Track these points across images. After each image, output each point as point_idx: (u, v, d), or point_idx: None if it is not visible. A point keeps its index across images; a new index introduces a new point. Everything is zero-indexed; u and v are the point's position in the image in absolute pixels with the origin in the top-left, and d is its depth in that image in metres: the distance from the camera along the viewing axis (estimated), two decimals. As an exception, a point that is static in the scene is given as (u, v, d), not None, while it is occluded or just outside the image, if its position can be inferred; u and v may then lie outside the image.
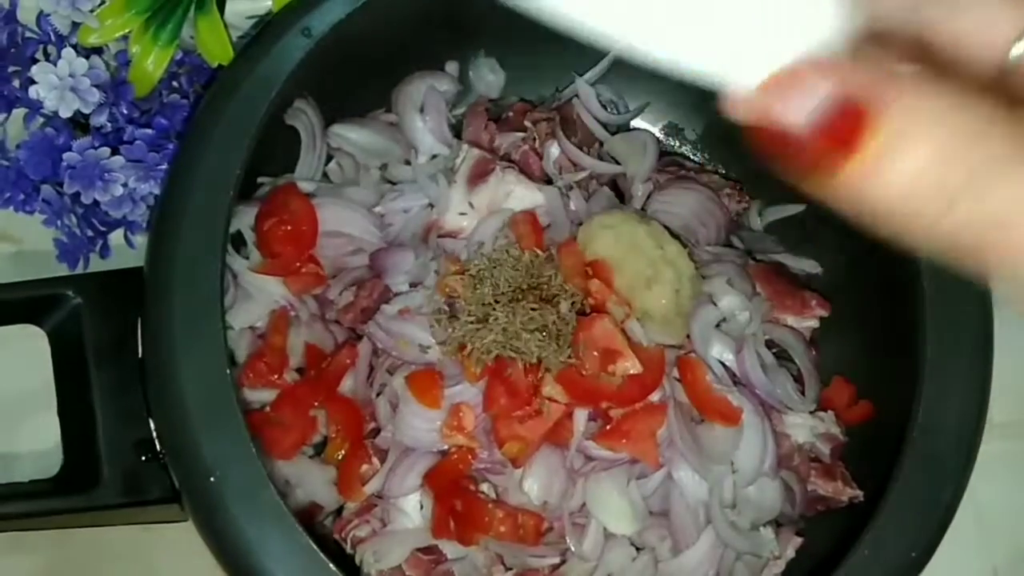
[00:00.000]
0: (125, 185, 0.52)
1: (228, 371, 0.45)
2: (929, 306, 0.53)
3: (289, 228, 0.59)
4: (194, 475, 0.44)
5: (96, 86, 0.51)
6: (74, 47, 0.53)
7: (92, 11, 0.52)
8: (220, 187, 0.47)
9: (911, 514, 0.52)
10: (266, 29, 0.51)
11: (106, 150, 0.53)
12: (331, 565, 0.44)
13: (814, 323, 0.63)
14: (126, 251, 0.59)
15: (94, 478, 0.46)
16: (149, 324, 0.46)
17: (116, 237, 0.60)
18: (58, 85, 0.51)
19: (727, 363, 0.59)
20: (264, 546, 0.43)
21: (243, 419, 0.45)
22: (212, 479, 0.44)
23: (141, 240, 0.60)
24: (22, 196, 0.56)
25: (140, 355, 0.47)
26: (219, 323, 0.46)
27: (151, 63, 0.53)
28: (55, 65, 0.51)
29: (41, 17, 0.55)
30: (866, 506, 0.57)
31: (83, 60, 0.52)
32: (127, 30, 0.52)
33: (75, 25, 0.53)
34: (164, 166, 0.53)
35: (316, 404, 0.58)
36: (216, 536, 0.44)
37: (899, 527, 0.51)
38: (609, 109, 0.68)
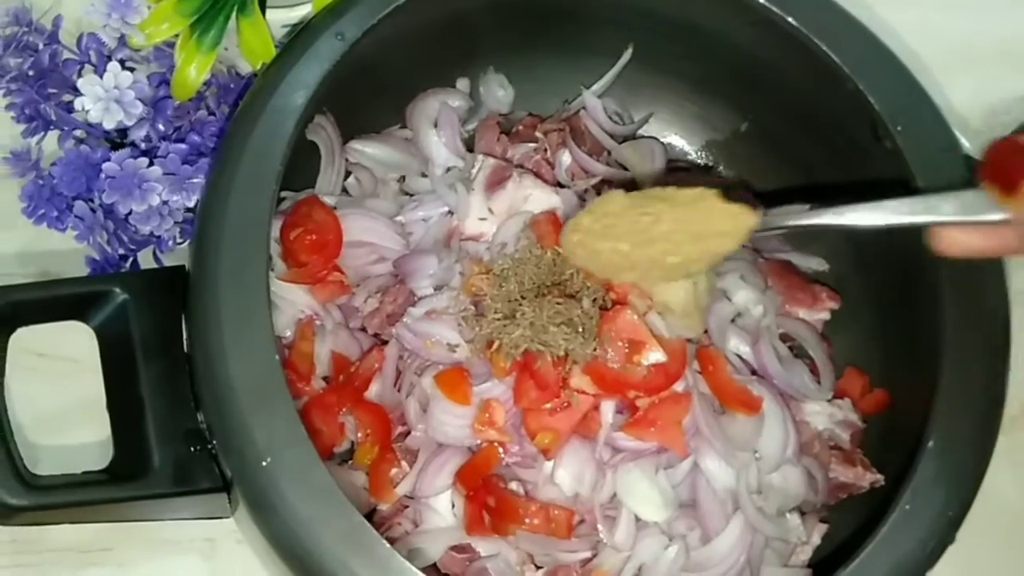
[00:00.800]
0: (160, 195, 0.54)
1: (277, 357, 0.46)
2: (947, 293, 0.53)
3: (315, 237, 0.60)
4: (247, 460, 0.45)
5: (139, 99, 0.53)
6: (120, 62, 0.55)
7: (138, 25, 0.54)
8: (264, 180, 0.49)
9: (930, 503, 0.52)
10: (301, 33, 0.53)
11: (144, 160, 0.54)
12: (385, 542, 0.45)
13: (826, 315, 0.65)
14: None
15: (145, 468, 0.46)
16: (196, 317, 0.48)
17: (145, 256, 0.61)
18: (103, 97, 0.53)
19: (744, 356, 0.61)
20: (318, 525, 0.44)
21: (294, 404, 0.46)
22: (264, 463, 0.44)
23: (170, 258, 0.61)
24: (56, 213, 0.57)
25: (187, 348, 0.48)
26: (267, 311, 0.47)
27: (194, 70, 0.55)
28: (101, 77, 0.53)
29: (81, 39, 0.57)
30: (887, 493, 0.58)
31: (128, 74, 0.54)
32: (174, 32, 0.54)
33: (120, 40, 0.56)
34: (197, 179, 0.55)
35: (344, 410, 0.59)
36: (270, 519, 0.45)
37: (918, 516, 0.51)
38: (615, 120, 0.70)
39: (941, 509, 0.51)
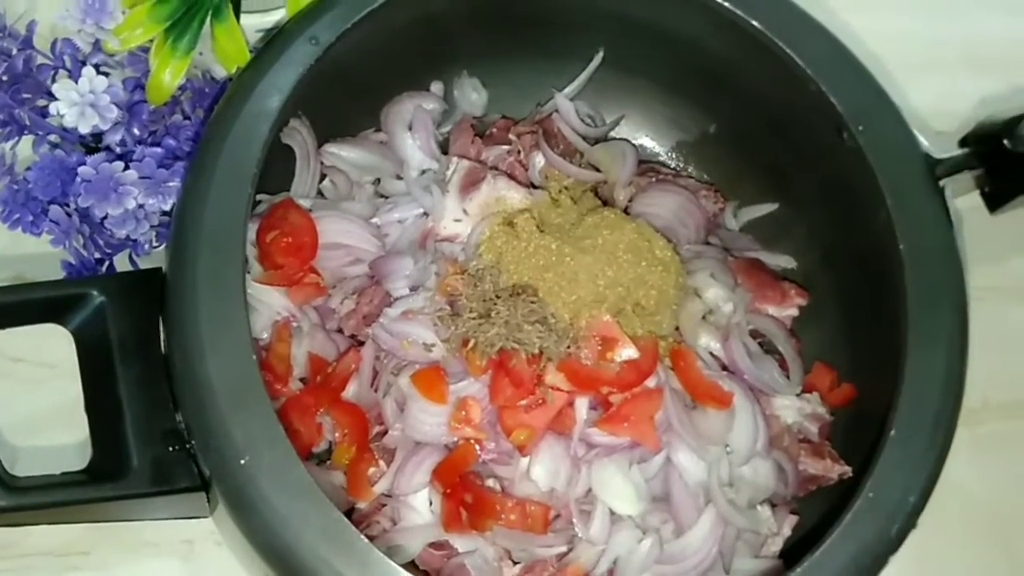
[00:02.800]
0: (136, 199, 0.54)
1: (254, 357, 0.47)
2: (909, 290, 0.54)
3: (290, 240, 0.60)
4: (225, 459, 0.45)
5: (114, 103, 0.53)
6: (95, 67, 0.55)
7: (113, 29, 0.55)
8: (240, 183, 0.49)
9: (893, 491, 0.53)
10: (276, 38, 0.54)
11: (120, 164, 0.55)
12: (363, 537, 0.46)
13: (794, 312, 0.66)
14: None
15: (123, 469, 0.47)
16: (173, 318, 0.48)
17: (120, 260, 0.62)
18: (79, 101, 0.53)
19: (715, 352, 0.62)
20: (298, 522, 0.44)
21: (271, 404, 0.46)
22: (243, 462, 0.45)
23: (145, 261, 0.62)
24: (31, 218, 0.57)
25: (164, 349, 0.48)
26: (244, 313, 0.48)
27: (169, 74, 0.55)
28: (76, 83, 0.53)
29: (55, 44, 0.57)
30: (853, 483, 0.59)
31: (103, 79, 0.54)
32: (149, 38, 0.55)
33: (95, 46, 0.56)
34: (173, 182, 0.55)
35: (321, 411, 0.59)
36: (249, 517, 0.45)
37: (881, 503, 0.53)
38: (587, 123, 0.71)
39: (902, 496, 0.52)
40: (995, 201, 0.54)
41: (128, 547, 0.60)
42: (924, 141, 0.55)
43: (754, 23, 0.57)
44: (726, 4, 0.57)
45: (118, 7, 0.55)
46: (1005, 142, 0.50)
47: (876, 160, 0.54)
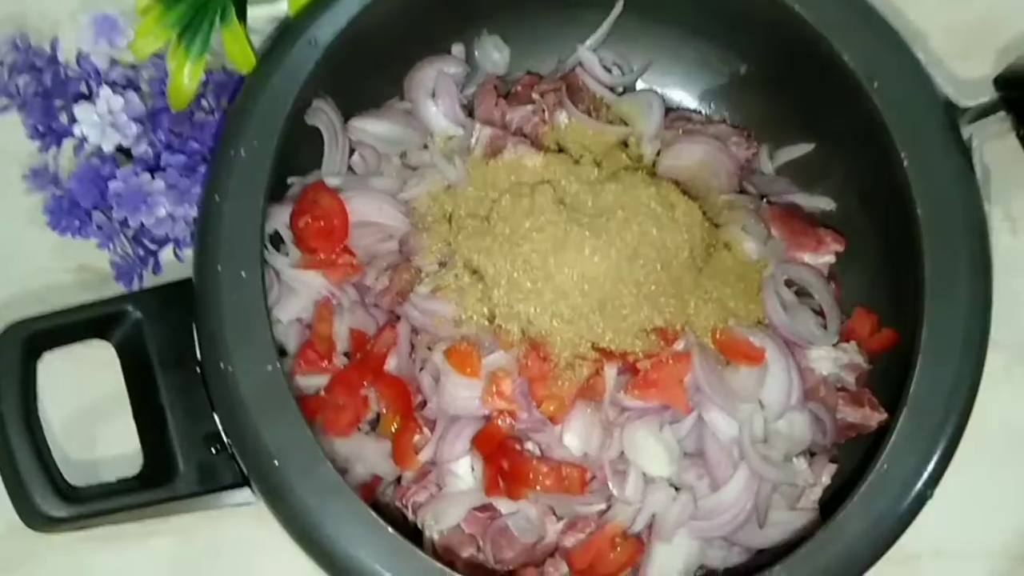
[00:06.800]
0: (164, 207, 0.57)
1: (278, 364, 0.49)
2: (928, 251, 0.54)
3: (322, 224, 0.62)
4: (259, 462, 0.49)
5: (134, 119, 0.55)
6: (111, 84, 0.57)
7: (127, 45, 0.56)
8: (252, 197, 0.51)
9: (927, 421, 0.54)
10: (276, 43, 0.55)
11: (147, 176, 0.57)
12: (388, 528, 0.49)
13: (831, 258, 0.65)
14: (176, 264, 0.64)
15: (172, 472, 0.51)
16: (203, 329, 0.51)
17: (166, 253, 0.65)
18: (99, 123, 0.55)
19: (747, 306, 0.62)
20: (328, 517, 0.48)
21: (297, 406, 0.49)
22: (276, 463, 0.48)
23: (189, 253, 0.65)
24: (77, 223, 0.61)
25: (199, 358, 0.51)
26: (265, 322, 0.50)
27: (187, 76, 0.57)
28: (95, 104, 0.56)
29: (80, 56, 0.59)
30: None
31: (119, 98, 0.56)
32: (161, 44, 0.56)
33: (113, 62, 0.58)
34: (196, 189, 0.57)
35: (366, 384, 0.62)
36: (285, 513, 0.49)
37: (911, 444, 0.53)
38: (614, 72, 0.70)
39: (939, 424, 0.52)
40: (1032, 144, 0.51)
41: (202, 511, 0.64)
42: (948, 90, 0.52)
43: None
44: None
45: (128, 24, 0.57)
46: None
47: (891, 118, 0.51)
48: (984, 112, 0.51)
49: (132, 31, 0.57)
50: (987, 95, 0.51)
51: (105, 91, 0.57)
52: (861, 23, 0.55)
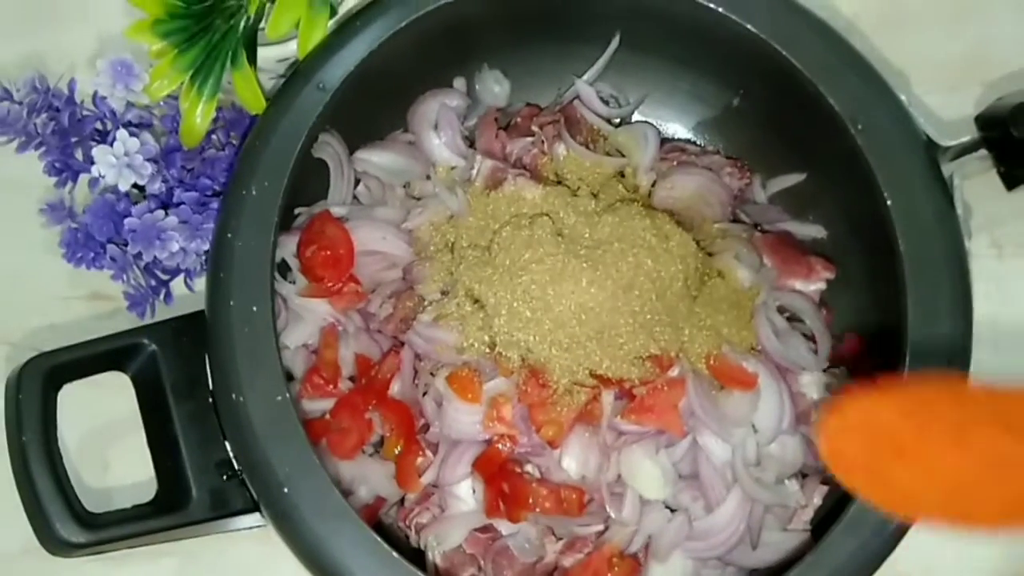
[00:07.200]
0: (178, 242, 0.59)
1: (288, 395, 0.51)
2: (911, 287, 0.56)
3: (328, 253, 0.64)
4: (269, 489, 0.51)
5: (148, 159, 0.58)
6: (127, 125, 0.60)
7: (142, 89, 0.59)
8: (263, 234, 0.53)
9: None
10: (286, 86, 0.57)
11: (161, 212, 0.60)
12: (393, 552, 0.51)
13: (822, 285, 0.67)
14: (187, 296, 0.67)
15: (185, 498, 0.53)
16: (216, 360, 0.53)
17: (177, 283, 0.67)
18: (115, 164, 0.58)
19: (740, 333, 0.64)
20: (334, 542, 0.50)
21: (305, 435, 0.51)
22: (285, 490, 0.50)
23: (199, 283, 0.67)
24: (92, 255, 0.63)
25: (211, 387, 0.54)
26: (275, 353, 0.52)
27: (199, 116, 0.59)
28: (111, 146, 0.58)
29: (96, 97, 0.62)
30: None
31: (135, 140, 0.59)
32: (175, 87, 0.59)
33: (129, 104, 0.60)
34: (208, 224, 0.60)
35: (370, 408, 0.64)
36: (293, 537, 0.51)
37: None
38: (611, 104, 0.72)
39: None
40: (1010, 181, 0.53)
41: (211, 534, 0.66)
42: (930, 129, 0.54)
43: (749, 27, 0.56)
44: (719, 10, 0.57)
45: (144, 69, 0.59)
46: (1012, 131, 0.49)
47: (875, 158, 0.53)
48: (965, 150, 0.53)
49: (147, 74, 0.60)
50: (968, 134, 0.53)
51: (122, 133, 0.59)
52: (846, 67, 0.57)
